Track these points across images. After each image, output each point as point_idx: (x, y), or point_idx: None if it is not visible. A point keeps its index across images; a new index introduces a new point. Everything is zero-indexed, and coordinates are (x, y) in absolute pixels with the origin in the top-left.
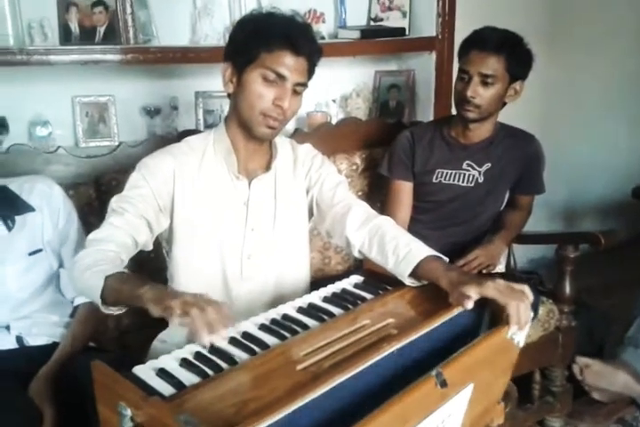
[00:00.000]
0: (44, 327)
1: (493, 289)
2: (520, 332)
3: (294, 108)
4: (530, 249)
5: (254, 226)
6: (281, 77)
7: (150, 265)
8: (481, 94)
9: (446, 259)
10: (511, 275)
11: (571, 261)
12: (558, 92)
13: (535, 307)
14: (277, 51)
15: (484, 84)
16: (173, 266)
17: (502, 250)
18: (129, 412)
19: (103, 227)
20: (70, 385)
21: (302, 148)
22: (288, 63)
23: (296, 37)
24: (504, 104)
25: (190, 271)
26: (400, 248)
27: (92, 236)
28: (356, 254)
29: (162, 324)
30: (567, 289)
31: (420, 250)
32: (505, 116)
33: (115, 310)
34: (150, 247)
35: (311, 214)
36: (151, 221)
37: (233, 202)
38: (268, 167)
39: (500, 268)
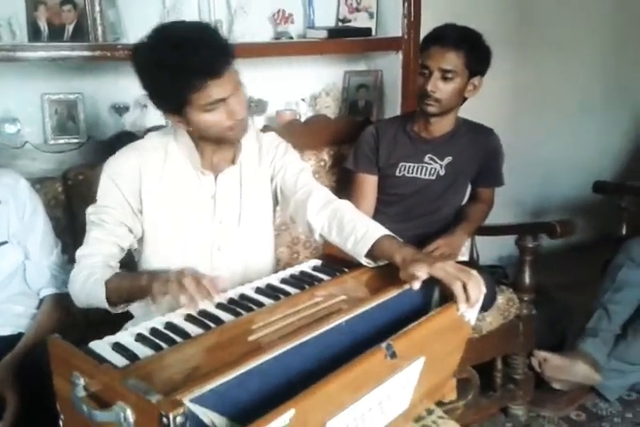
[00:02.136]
0: (9, 318)
1: (441, 270)
2: (470, 310)
3: (245, 101)
4: (497, 246)
5: (222, 219)
6: (220, 101)
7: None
8: (441, 89)
9: (400, 240)
10: (474, 265)
11: (530, 251)
12: (527, 92)
13: (492, 296)
14: (201, 87)
15: (444, 78)
16: (143, 261)
17: (463, 240)
18: (82, 381)
19: (88, 242)
20: (33, 373)
21: (266, 136)
22: (219, 90)
23: (212, 65)
24: (464, 99)
25: (160, 267)
26: (357, 229)
27: (79, 252)
28: (317, 238)
29: (129, 316)
30: (527, 278)
31: (376, 230)
32: (475, 117)
33: (123, 308)
34: (135, 246)
35: (276, 202)
36: (130, 226)
37: (200, 196)
38: (233, 161)
39: (463, 259)
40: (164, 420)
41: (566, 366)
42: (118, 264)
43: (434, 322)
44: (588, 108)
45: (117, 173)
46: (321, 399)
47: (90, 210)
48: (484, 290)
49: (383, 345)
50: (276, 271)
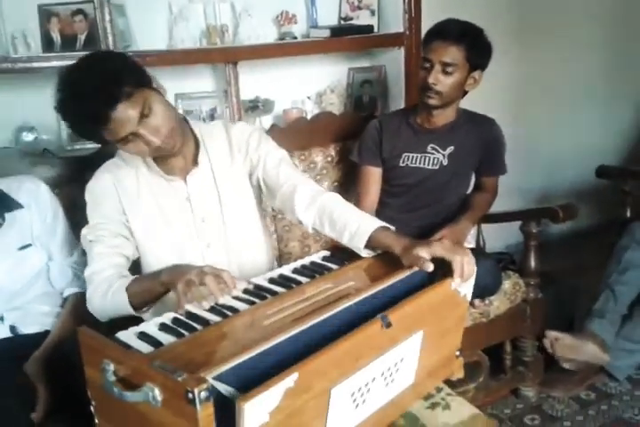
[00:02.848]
0: (36, 317)
1: (441, 248)
2: (464, 284)
3: (161, 123)
4: (505, 235)
5: (204, 217)
6: (132, 134)
7: None
8: (442, 81)
9: (393, 228)
10: (480, 250)
11: (534, 236)
12: (530, 80)
13: (498, 280)
14: (102, 128)
15: (445, 72)
16: (145, 267)
17: (469, 229)
18: (112, 367)
19: (93, 259)
20: (61, 367)
21: (235, 128)
22: (120, 129)
23: (95, 111)
24: (465, 93)
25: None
26: (350, 224)
27: (87, 271)
28: (311, 231)
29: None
30: (532, 263)
31: (369, 223)
32: (478, 105)
33: (147, 310)
34: (137, 255)
35: (260, 195)
36: (126, 235)
37: (176, 201)
38: (195, 162)
39: (470, 247)
40: (190, 395)
41: (576, 346)
42: (129, 273)
43: (429, 295)
44: (591, 94)
45: (97, 192)
46: (323, 365)
47: (84, 231)
48: (474, 267)
49: (379, 316)
50: (280, 265)
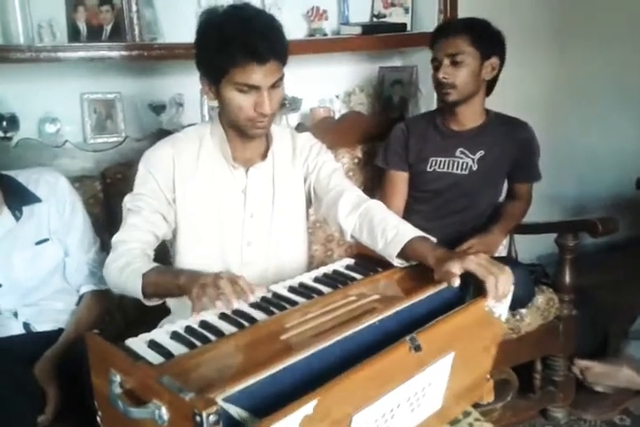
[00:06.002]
0: (50, 314)
1: (475, 263)
2: (500, 304)
3: (276, 102)
4: (537, 245)
5: (253, 212)
6: (255, 87)
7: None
8: (452, 74)
9: (434, 239)
10: (511, 260)
11: (570, 250)
12: (567, 83)
13: (530, 292)
14: (243, 64)
15: (454, 63)
16: (177, 253)
17: (500, 240)
18: (118, 378)
19: (124, 228)
20: (74, 369)
21: (301, 137)
22: (257, 74)
23: (257, 46)
24: (490, 89)
25: (193, 258)
26: (388, 230)
27: (115, 238)
28: (349, 239)
29: (166, 313)
30: (567, 278)
31: (407, 231)
32: (513, 109)
33: (156, 301)
34: (170, 236)
35: (310, 202)
36: (165, 214)
37: (231, 190)
38: (264, 156)
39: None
40: (197, 418)
41: (610, 373)
42: (153, 253)
43: (460, 316)
44: (631, 99)
45: (153, 163)
46: (345, 391)
47: (127, 198)
48: (512, 286)
49: (407, 338)
50: (309, 270)
